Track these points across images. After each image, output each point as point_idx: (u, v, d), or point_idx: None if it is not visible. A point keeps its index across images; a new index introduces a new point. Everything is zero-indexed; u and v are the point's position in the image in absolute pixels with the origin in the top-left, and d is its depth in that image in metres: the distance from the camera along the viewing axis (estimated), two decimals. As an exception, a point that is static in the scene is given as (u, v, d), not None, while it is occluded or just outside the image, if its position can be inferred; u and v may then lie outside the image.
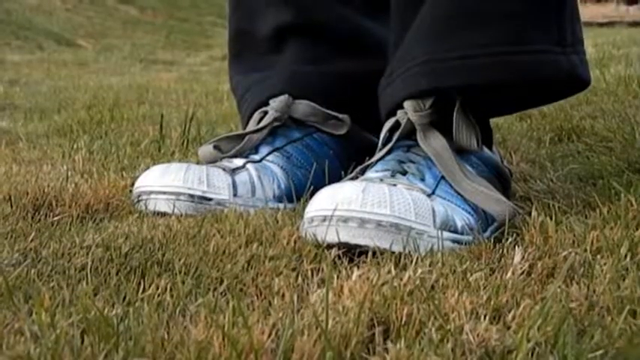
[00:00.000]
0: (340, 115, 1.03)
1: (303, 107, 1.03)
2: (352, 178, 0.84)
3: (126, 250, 0.71)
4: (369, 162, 0.86)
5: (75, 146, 1.36)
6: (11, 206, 0.88)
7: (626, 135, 1.21)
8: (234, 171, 0.95)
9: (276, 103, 1.02)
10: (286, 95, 1.02)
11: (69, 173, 1.07)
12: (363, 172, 0.85)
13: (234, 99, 1.13)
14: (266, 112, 1.02)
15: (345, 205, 0.71)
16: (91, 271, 0.66)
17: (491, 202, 0.78)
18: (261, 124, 1.01)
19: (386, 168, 0.82)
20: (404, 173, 0.80)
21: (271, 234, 0.76)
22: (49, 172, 1.12)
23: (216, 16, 9.85)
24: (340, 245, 0.71)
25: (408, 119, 0.84)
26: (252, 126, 1.02)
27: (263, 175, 0.96)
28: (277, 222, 0.81)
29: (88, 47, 6.72)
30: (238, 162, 0.97)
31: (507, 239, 0.72)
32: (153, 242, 0.74)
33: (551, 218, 0.76)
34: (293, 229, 0.77)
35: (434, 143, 0.82)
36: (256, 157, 0.99)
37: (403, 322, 0.54)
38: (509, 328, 0.54)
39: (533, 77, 0.83)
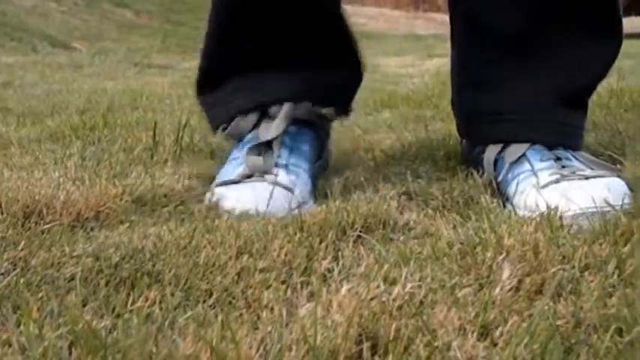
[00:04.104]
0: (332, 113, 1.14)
1: (304, 109, 1.11)
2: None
3: (116, 260, 0.71)
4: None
5: (67, 152, 1.35)
6: (1, 213, 0.88)
7: (616, 149, 1.22)
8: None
9: (287, 107, 1.08)
10: (291, 102, 1.09)
11: (60, 180, 1.06)
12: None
13: (205, 97, 1.21)
14: (274, 117, 1.08)
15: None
16: (80, 282, 0.66)
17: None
18: (280, 129, 1.06)
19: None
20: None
21: (262, 246, 0.76)
22: (41, 179, 1.11)
23: (212, 20, 9.84)
24: None
25: None
26: (264, 130, 1.07)
27: (295, 178, 1.01)
28: (268, 233, 0.81)
29: (82, 50, 6.71)
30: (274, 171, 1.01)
31: (497, 254, 0.72)
32: (143, 252, 0.74)
33: (542, 233, 0.76)
34: (284, 241, 0.78)
35: None
36: (283, 161, 1.03)
37: (391, 338, 0.54)
38: (496, 345, 0.54)
39: None
